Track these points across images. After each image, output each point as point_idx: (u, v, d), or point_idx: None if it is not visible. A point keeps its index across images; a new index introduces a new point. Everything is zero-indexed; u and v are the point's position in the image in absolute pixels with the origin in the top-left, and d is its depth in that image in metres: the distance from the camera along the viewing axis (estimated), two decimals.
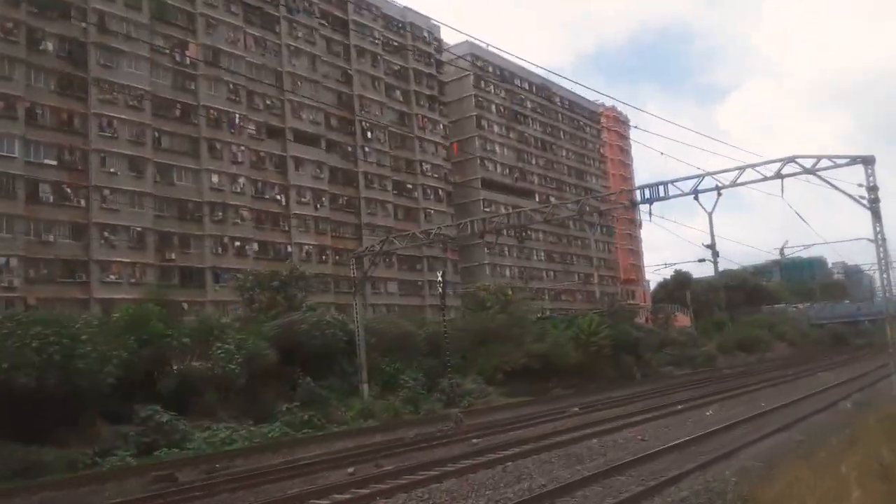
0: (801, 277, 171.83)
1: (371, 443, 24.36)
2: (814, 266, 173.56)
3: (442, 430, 26.06)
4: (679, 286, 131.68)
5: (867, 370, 42.31)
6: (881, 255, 23.17)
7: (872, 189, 22.88)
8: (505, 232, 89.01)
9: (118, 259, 49.15)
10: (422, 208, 75.95)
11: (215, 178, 56.12)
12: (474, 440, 23.26)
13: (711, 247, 36.31)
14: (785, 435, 19.09)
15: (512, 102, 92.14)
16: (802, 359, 71.10)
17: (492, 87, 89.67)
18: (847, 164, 23.42)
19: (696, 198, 26.09)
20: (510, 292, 47.65)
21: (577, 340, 46.69)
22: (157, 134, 53.00)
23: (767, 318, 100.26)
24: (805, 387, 34.84)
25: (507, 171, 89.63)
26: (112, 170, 49.71)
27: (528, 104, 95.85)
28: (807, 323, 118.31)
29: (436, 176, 78.54)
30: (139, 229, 50.61)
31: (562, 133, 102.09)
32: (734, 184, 25.84)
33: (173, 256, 52.13)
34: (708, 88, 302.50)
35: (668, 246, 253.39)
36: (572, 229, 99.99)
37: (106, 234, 48.91)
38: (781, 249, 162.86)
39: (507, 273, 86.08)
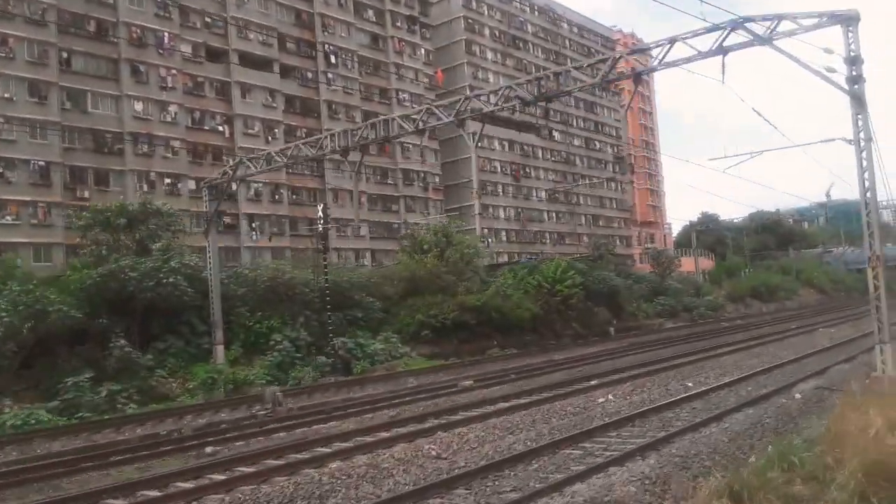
0: (847, 221, 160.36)
1: (120, 440, 17.64)
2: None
3: (256, 415, 19.58)
4: (705, 229, 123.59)
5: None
6: (862, 160, 15.42)
7: (853, 61, 15.09)
8: (500, 169, 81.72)
9: (16, 197, 43.27)
10: (399, 143, 68.40)
11: (139, 106, 49.53)
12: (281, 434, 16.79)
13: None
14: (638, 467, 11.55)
15: (509, 26, 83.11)
16: (824, 308, 62.91)
17: (485, 7, 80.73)
18: (817, 27, 15.62)
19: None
20: (453, 232, 40.24)
21: (540, 290, 39.56)
22: (65, 54, 46.42)
23: (794, 263, 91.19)
24: (787, 350, 27.45)
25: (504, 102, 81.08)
26: (7, 95, 43.46)
27: (529, 28, 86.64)
28: (843, 268, 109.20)
29: (416, 107, 70.54)
30: (42, 163, 44.53)
31: (569, 62, 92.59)
32: (663, 65, 18.45)
33: (86, 195, 45.98)
34: None
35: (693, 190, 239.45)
36: (579, 166, 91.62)
37: (0, 168, 43.02)
38: (828, 191, 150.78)
39: (502, 214, 78.66)
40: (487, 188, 77.10)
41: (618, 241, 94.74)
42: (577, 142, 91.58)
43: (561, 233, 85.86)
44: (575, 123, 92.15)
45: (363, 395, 23.12)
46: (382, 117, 26.66)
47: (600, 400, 18.12)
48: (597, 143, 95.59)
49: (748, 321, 49.05)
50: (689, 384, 20.14)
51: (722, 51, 17.04)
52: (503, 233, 78.20)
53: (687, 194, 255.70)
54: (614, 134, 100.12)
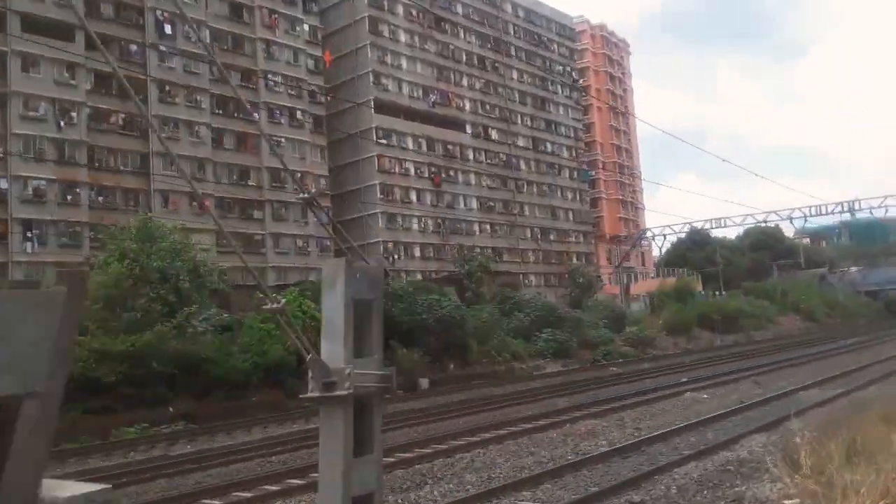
0: (871, 239, 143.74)
1: None
2: (888, 227, 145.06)
3: None
4: (695, 246, 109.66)
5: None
6: None
7: None
8: (414, 171, 68.34)
9: None
10: (269, 135, 55.80)
11: None
12: None
13: None
14: None
15: (431, 4, 70.45)
16: (797, 342, 48.83)
17: None
18: None
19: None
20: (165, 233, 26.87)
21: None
22: None
23: (781, 285, 76.76)
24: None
25: (420, 92, 68.41)
26: None
27: (459, 7, 73.95)
28: (850, 290, 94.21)
29: (292, 93, 58.14)
30: None
31: (513, 49, 79.67)
32: None
33: None
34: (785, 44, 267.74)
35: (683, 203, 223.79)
36: (524, 171, 78.25)
37: None
38: (851, 207, 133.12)
39: (416, 225, 65.56)
40: (396, 194, 64.21)
41: (575, 258, 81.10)
42: (521, 142, 78.28)
43: (498, 248, 72.43)
44: (520, 121, 78.97)
45: None
46: None
47: None
48: (548, 144, 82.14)
49: (658, 364, 35.20)
50: None
51: None
52: (416, 248, 65.04)
53: (685, 206, 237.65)
54: (572, 135, 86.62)
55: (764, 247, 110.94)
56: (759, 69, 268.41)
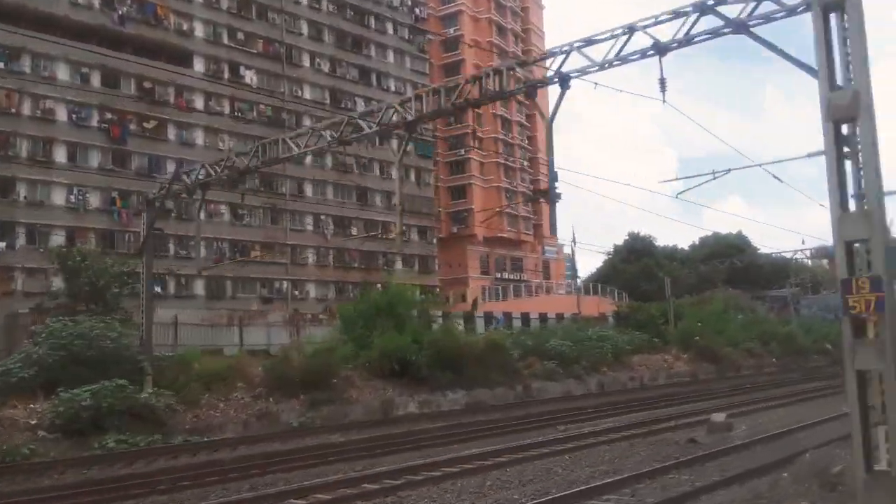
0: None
1: None
2: None
3: None
4: (632, 257, 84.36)
5: None
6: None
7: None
8: (69, 117, 38.22)
9: None
10: None
11: None
12: None
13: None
14: None
15: None
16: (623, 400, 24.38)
17: None
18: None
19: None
20: None
21: None
22: None
23: (662, 308, 50.72)
24: None
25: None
26: None
27: None
28: (821, 315, 67.77)
29: None
30: None
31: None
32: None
33: None
34: None
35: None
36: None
37: None
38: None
39: (59, 200, 41.86)
40: (21, 147, 40.73)
41: (400, 263, 56.54)
42: (308, 93, 54.16)
43: (251, 242, 48.60)
44: (310, 63, 54.95)
45: None
46: None
47: None
48: (359, 100, 57.88)
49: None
50: None
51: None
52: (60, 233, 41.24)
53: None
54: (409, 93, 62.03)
55: (715, 258, 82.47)
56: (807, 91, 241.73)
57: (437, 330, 29.63)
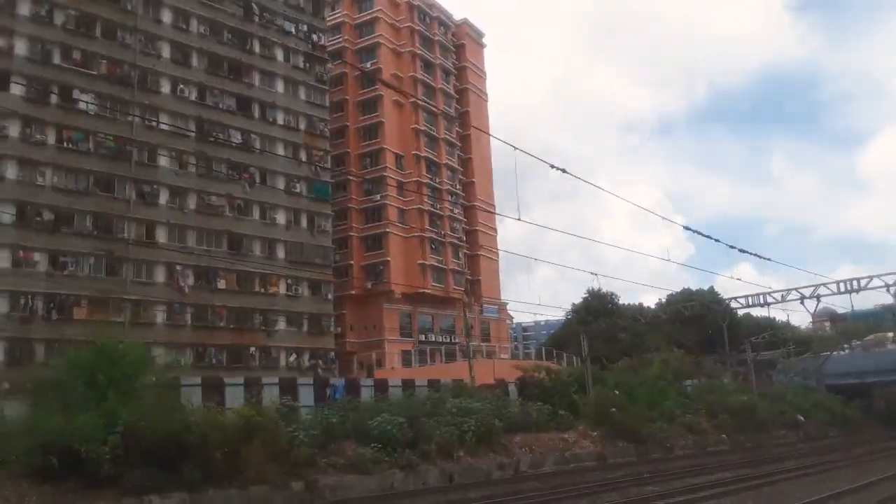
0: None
1: None
2: None
3: None
4: (591, 316, 76.05)
5: None
6: None
7: None
8: None
9: None
10: None
11: None
12: None
13: None
14: None
15: None
16: None
17: None
18: None
19: None
20: None
21: None
22: None
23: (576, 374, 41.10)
24: None
25: None
26: None
27: None
28: (819, 385, 57.56)
29: None
30: None
31: None
32: None
33: None
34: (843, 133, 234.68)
35: None
36: (166, 168, 45.97)
37: None
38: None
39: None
40: None
41: (283, 323, 47.26)
42: (166, 122, 46.08)
43: (80, 295, 39.70)
44: (170, 89, 47.25)
45: None
46: None
47: None
48: (234, 132, 49.90)
49: None
50: None
51: None
52: None
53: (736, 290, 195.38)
54: (302, 128, 53.99)
55: (686, 320, 72.50)
56: (816, 157, 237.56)
57: (147, 404, 20.23)
